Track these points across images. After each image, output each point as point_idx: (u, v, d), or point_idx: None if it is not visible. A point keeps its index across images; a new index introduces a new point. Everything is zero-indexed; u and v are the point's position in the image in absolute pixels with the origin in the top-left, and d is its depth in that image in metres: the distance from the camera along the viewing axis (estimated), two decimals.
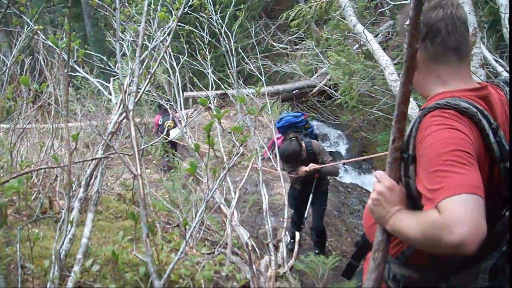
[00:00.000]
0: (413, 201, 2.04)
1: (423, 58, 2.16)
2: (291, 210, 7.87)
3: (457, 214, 1.67)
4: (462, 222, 1.64)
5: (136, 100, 3.20)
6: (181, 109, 8.36)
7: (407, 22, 1.81)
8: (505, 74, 5.41)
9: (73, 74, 4.71)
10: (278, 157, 7.17)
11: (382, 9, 9.96)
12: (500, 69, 5.86)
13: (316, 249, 8.05)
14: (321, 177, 7.66)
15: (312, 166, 7.19)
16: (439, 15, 2.12)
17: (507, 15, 5.50)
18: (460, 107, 1.95)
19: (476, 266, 1.99)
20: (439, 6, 2.14)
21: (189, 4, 4.39)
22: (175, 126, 11.67)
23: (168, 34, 4.24)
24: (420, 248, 2.00)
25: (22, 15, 4.50)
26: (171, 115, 11.41)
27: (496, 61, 6.29)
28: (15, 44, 5.36)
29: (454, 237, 1.63)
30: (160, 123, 12.54)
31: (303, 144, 7.33)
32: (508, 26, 5.41)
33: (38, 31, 4.25)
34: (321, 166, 7.29)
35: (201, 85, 9.89)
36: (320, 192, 7.79)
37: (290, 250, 7.22)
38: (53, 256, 2.84)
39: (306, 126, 7.91)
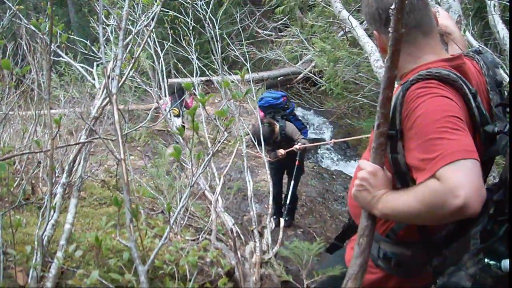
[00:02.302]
0: (402, 177, 2.08)
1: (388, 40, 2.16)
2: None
3: (458, 179, 1.70)
4: (464, 186, 1.67)
5: (120, 84, 3.17)
6: (165, 95, 8.33)
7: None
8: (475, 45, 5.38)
9: (56, 59, 4.67)
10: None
11: None
12: (490, 58, 5.86)
13: (286, 216, 8.55)
14: (300, 156, 8.24)
15: (280, 152, 7.87)
16: None
17: (492, 2, 5.51)
18: (441, 75, 2.00)
19: (466, 235, 2.01)
20: None
21: None
22: (178, 114, 11.58)
23: (152, 19, 4.20)
24: (422, 223, 2.04)
25: (5, 0, 4.45)
26: (180, 103, 11.41)
27: (485, 49, 6.30)
28: None
29: (458, 200, 1.66)
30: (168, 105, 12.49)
31: (276, 127, 7.82)
32: (493, 13, 5.42)
33: (21, 15, 4.20)
34: (296, 147, 7.89)
35: (185, 72, 9.84)
36: (295, 163, 8.27)
37: (276, 225, 7.83)
38: (36, 242, 2.82)
39: (285, 106, 8.16)
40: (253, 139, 7.40)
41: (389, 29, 1.85)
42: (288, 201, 8.58)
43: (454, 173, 1.71)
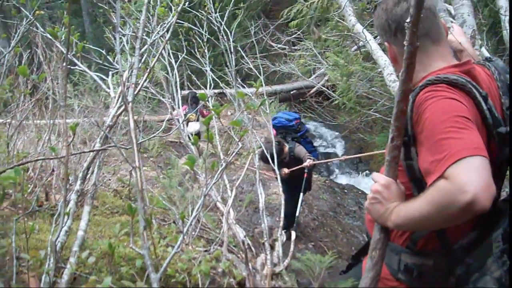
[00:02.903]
0: (418, 183, 2.07)
1: (401, 52, 2.17)
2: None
3: (465, 175, 1.70)
4: (472, 182, 1.67)
5: (136, 92, 3.19)
6: (178, 107, 8.35)
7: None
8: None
9: (71, 68, 4.70)
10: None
11: None
12: (501, 65, 5.83)
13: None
14: (309, 173, 8.34)
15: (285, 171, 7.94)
16: (404, 8, 2.24)
17: (507, 17, 5.49)
18: (450, 80, 2.02)
19: (488, 239, 2.00)
20: (402, 0, 2.27)
21: (189, 0, 4.37)
22: (197, 119, 11.66)
23: (167, 30, 4.22)
24: (435, 226, 2.02)
25: (21, 8, 4.49)
26: (197, 108, 11.50)
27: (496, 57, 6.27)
28: (14, 37, 5.35)
29: (467, 196, 1.65)
30: (184, 113, 12.56)
31: (286, 148, 7.99)
32: (508, 28, 5.40)
33: (37, 24, 4.23)
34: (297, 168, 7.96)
35: (199, 83, 9.87)
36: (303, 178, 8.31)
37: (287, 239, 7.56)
38: (49, 248, 2.82)
39: (297, 129, 8.30)
40: (263, 154, 7.42)
41: (404, 42, 1.86)
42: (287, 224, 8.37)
43: (461, 170, 1.72)
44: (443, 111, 1.90)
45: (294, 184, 8.19)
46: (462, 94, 1.99)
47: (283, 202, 6.90)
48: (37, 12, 3.96)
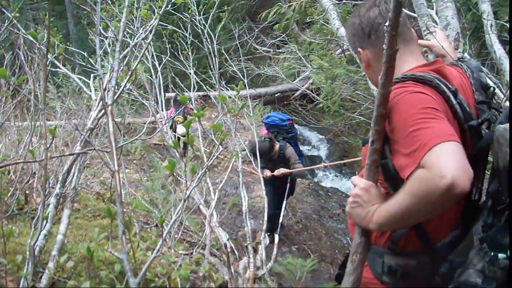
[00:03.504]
0: (393, 182, 2.08)
1: (374, 54, 2.33)
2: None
3: (441, 160, 1.72)
4: (449, 166, 1.69)
5: (116, 96, 3.17)
6: (162, 110, 8.33)
7: (387, 24, 1.84)
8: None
9: (54, 70, 4.67)
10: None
11: None
12: (474, 64, 5.86)
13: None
14: (292, 181, 8.36)
15: (280, 170, 7.84)
16: (376, 12, 2.32)
17: (489, 22, 5.52)
18: (416, 76, 2.07)
19: (469, 233, 2.00)
20: (374, 5, 2.36)
21: (172, 2, 4.36)
22: (184, 121, 11.65)
23: (150, 32, 4.21)
24: (419, 218, 2.00)
25: (4, 10, 4.46)
26: (183, 110, 11.47)
27: (471, 59, 6.30)
28: None
29: (446, 180, 1.66)
30: (172, 115, 12.53)
31: (276, 146, 7.97)
32: (490, 32, 5.43)
33: (19, 25, 4.20)
34: (289, 171, 7.92)
35: (183, 86, 9.85)
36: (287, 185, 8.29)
37: (271, 242, 7.68)
38: (28, 252, 2.80)
39: (289, 130, 8.43)
40: (249, 153, 7.44)
41: (384, 46, 1.87)
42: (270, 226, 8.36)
43: (436, 157, 1.73)
44: (410, 105, 1.93)
45: (278, 186, 8.16)
46: (429, 89, 2.03)
47: (266, 205, 6.91)
48: (13, 14, 3.93)
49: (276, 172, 7.78)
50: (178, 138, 11.26)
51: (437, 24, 4.52)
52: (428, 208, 1.82)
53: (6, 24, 4.72)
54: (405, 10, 4.61)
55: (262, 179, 7.28)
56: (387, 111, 1.99)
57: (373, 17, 2.31)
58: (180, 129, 11.73)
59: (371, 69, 2.42)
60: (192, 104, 8.99)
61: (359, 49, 2.44)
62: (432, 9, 4.97)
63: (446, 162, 1.70)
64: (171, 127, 12.12)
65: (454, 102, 2.06)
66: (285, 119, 8.44)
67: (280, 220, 8.23)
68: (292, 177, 8.22)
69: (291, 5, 12.33)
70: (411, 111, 1.90)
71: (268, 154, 7.73)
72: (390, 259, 2.29)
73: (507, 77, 4.65)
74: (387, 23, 1.83)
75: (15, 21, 4.15)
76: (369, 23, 2.32)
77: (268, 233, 7.86)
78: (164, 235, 2.62)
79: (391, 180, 2.09)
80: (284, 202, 8.26)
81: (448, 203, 1.76)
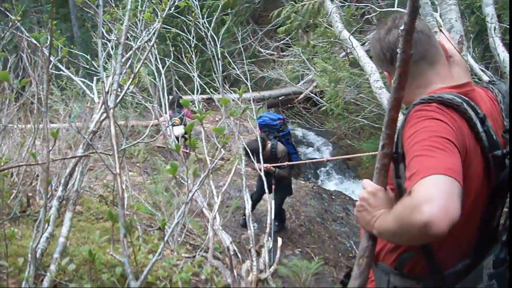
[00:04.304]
0: None
1: None
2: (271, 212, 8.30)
3: (426, 193, 1.63)
4: (431, 201, 1.59)
5: (119, 100, 3.17)
6: (165, 113, 8.34)
7: (401, 28, 1.81)
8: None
9: (58, 73, 4.67)
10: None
11: (369, 16, 10.00)
12: (485, 78, 5.86)
13: (276, 228, 8.72)
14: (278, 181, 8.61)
15: (266, 166, 8.00)
16: (395, 35, 2.22)
17: (493, 25, 5.52)
18: (443, 99, 1.96)
19: (479, 266, 1.99)
20: (393, 27, 2.27)
21: (175, 5, 4.36)
22: (180, 123, 11.68)
23: (153, 34, 4.21)
24: (399, 240, 1.99)
25: (8, 13, 4.47)
26: (181, 112, 11.52)
27: (482, 70, 6.30)
28: None
29: (422, 216, 1.57)
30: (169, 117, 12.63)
31: (268, 145, 8.32)
32: (493, 35, 5.43)
33: (22, 28, 4.21)
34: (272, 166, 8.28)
35: (186, 89, 9.86)
36: (281, 184, 8.68)
37: (242, 225, 9.21)
38: (29, 255, 2.80)
39: (280, 129, 8.78)
40: (245, 150, 7.52)
41: (397, 50, 1.84)
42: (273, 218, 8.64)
43: (424, 187, 1.65)
44: (424, 131, 1.85)
45: (269, 182, 8.26)
46: (454, 115, 1.94)
47: (269, 208, 6.90)
48: (14, 18, 3.94)
49: (264, 166, 7.89)
50: (176, 139, 11.30)
51: (441, 26, 4.51)
52: (406, 237, 1.77)
53: (9, 27, 4.74)
54: (429, 8, 4.61)
55: (262, 172, 7.40)
56: (403, 130, 1.97)
57: (393, 42, 2.23)
58: (176, 130, 11.74)
59: None
60: (196, 107, 9.04)
61: (385, 73, 2.41)
62: (436, 12, 4.96)
63: (429, 196, 1.61)
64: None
65: (480, 129, 1.98)
66: (275, 118, 8.75)
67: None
68: (275, 175, 8.45)
69: (304, 4, 12.30)
70: (423, 136, 1.83)
71: (262, 153, 7.85)
72: (396, 279, 2.24)
73: None
74: (402, 27, 1.81)
75: (18, 24, 4.16)
76: (390, 48, 2.25)
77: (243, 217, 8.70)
78: (166, 238, 2.62)
79: None
80: (273, 202, 8.44)
81: (423, 240, 1.72)
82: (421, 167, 1.72)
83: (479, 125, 1.98)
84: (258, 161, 7.99)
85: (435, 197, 1.60)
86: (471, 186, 1.87)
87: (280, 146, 8.39)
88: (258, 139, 7.54)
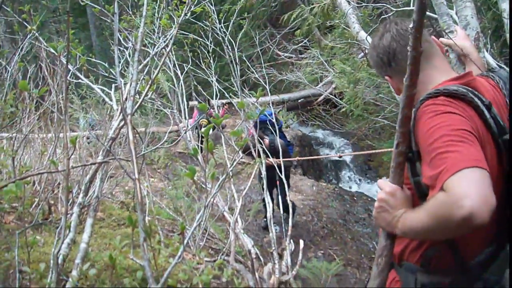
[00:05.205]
0: (426, 199, 2.02)
1: (400, 79, 2.19)
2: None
3: (462, 188, 1.67)
4: (469, 195, 1.64)
5: (137, 106, 3.20)
6: (185, 118, 8.37)
7: (410, 26, 1.82)
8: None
9: (76, 81, 4.73)
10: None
11: (385, 16, 9.97)
12: (504, 74, 5.81)
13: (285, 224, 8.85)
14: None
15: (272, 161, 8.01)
16: (388, 38, 2.33)
17: (509, 21, 5.48)
18: (449, 91, 2.00)
19: (504, 252, 2.01)
20: (385, 31, 2.36)
21: (191, 11, 4.39)
22: (208, 123, 11.83)
23: (170, 40, 4.25)
24: (435, 237, 1.99)
25: (26, 24, 4.53)
26: (206, 114, 11.67)
27: (500, 67, 6.25)
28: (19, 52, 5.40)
29: (463, 210, 1.62)
30: (196, 118, 12.81)
31: (266, 141, 8.86)
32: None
33: (40, 38, 4.26)
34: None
35: (205, 94, 9.90)
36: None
37: (263, 228, 9.45)
38: (51, 261, 2.83)
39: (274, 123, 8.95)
40: (245, 147, 7.52)
41: (408, 47, 1.86)
42: (282, 211, 8.98)
43: (458, 183, 1.69)
44: (440, 125, 1.88)
45: (272, 175, 8.26)
46: (462, 105, 1.97)
47: (291, 210, 6.89)
48: (29, 28, 3.99)
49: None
50: (202, 140, 11.38)
51: (457, 24, 4.49)
52: (445, 232, 1.80)
53: (27, 37, 4.80)
54: (445, 8, 4.60)
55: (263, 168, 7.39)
56: (417, 129, 1.98)
57: (387, 45, 2.32)
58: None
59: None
60: (216, 110, 9.13)
61: (387, 77, 2.44)
62: (452, 9, 4.95)
63: (467, 191, 1.66)
64: (196, 128, 12.40)
65: (488, 116, 2.01)
66: (269, 113, 8.93)
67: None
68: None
69: (313, 7, 12.33)
70: (441, 132, 1.85)
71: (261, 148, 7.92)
72: (424, 277, 2.23)
73: None
74: (410, 25, 1.82)
75: (36, 34, 4.21)
76: (386, 52, 2.33)
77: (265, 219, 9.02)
78: (185, 241, 2.64)
79: (424, 197, 2.01)
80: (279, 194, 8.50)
81: (465, 232, 1.74)
82: (449, 163, 1.75)
83: (486, 112, 2.01)
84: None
85: (472, 190, 1.65)
86: None
87: (277, 140, 8.47)
88: (249, 137, 7.57)
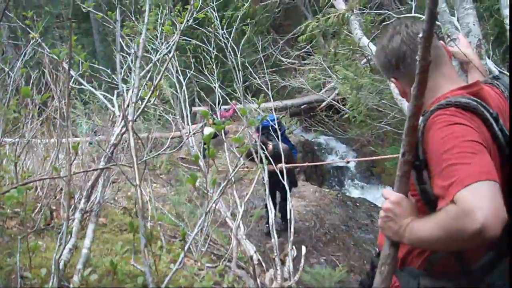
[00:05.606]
0: (433, 206, 1.99)
1: (408, 82, 2.22)
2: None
3: (474, 201, 1.67)
4: (481, 208, 1.64)
5: (139, 112, 3.21)
6: (188, 124, 8.38)
7: (420, 35, 1.81)
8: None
9: (79, 87, 4.74)
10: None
11: (388, 22, 9.97)
12: (506, 80, 5.81)
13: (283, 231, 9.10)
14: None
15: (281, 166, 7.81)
16: (398, 40, 2.28)
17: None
18: (461, 103, 1.98)
19: (505, 258, 2.00)
20: (395, 33, 2.31)
21: (193, 17, 4.40)
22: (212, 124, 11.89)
23: (172, 46, 4.25)
24: (444, 248, 1.98)
25: (29, 30, 4.54)
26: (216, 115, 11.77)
27: (502, 73, 6.25)
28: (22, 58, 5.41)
29: (475, 224, 1.63)
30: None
31: (270, 147, 8.67)
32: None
33: (43, 44, 4.28)
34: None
35: (208, 100, 9.91)
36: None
37: (266, 234, 9.38)
38: (53, 266, 2.84)
39: (277, 129, 8.83)
40: (248, 152, 7.51)
41: (417, 57, 1.85)
42: (281, 217, 9.28)
43: (470, 196, 1.69)
44: (452, 136, 1.88)
45: (274, 182, 8.26)
46: (472, 117, 1.97)
47: (292, 217, 6.89)
48: (31, 35, 4.01)
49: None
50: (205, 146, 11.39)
51: (459, 30, 4.50)
52: (457, 244, 1.81)
53: (30, 43, 4.82)
54: (448, 16, 4.60)
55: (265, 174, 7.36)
56: (426, 138, 1.97)
57: (397, 48, 2.28)
58: (207, 130, 11.79)
59: (408, 96, 2.34)
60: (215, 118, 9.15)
61: (392, 79, 2.42)
62: (454, 16, 4.95)
63: (478, 204, 1.66)
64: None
65: (496, 128, 2.01)
66: (271, 119, 8.85)
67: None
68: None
69: (329, 17, 12.32)
70: (452, 143, 1.86)
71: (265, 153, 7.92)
72: (426, 281, 2.21)
73: None
74: (420, 35, 1.82)
75: (39, 40, 4.23)
76: (394, 54, 2.29)
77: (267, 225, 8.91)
78: (186, 247, 2.64)
79: (431, 205, 2.02)
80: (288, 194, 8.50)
81: (477, 244, 1.75)
82: (460, 175, 1.75)
83: (494, 125, 2.01)
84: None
85: (484, 203, 1.66)
86: None
87: (282, 145, 8.39)
88: (252, 143, 7.59)
